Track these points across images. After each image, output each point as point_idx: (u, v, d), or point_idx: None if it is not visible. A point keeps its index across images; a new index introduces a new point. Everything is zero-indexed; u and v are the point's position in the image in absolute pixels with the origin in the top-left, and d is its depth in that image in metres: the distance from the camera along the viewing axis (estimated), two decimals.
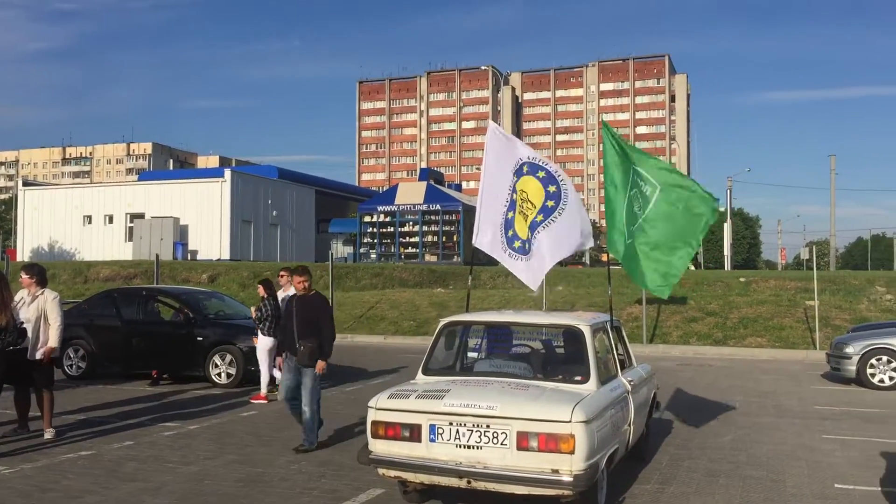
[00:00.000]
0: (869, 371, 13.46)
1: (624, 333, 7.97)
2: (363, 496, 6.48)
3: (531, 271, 7.84)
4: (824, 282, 22.86)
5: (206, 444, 8.39)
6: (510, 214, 7.85)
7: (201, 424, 9.50)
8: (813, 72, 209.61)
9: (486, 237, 8.02)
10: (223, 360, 12.55)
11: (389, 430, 5.74)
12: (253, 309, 11.83)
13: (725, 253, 51.84)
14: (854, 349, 13.65)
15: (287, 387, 8.35)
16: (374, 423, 5.81)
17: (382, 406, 5.82)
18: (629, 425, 6.72)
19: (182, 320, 13.22)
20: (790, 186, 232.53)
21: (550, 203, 7.66)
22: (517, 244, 7.80)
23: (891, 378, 13.32)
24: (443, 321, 7.01)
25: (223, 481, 6.90)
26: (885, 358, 13.41)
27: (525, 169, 7.83)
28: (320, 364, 8.10)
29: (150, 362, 12.92)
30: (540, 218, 7.68)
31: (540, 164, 7.86)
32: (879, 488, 7.00)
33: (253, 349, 12.46)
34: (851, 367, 13.60)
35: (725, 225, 51.93)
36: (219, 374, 12.53)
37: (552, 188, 7.69)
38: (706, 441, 8.90)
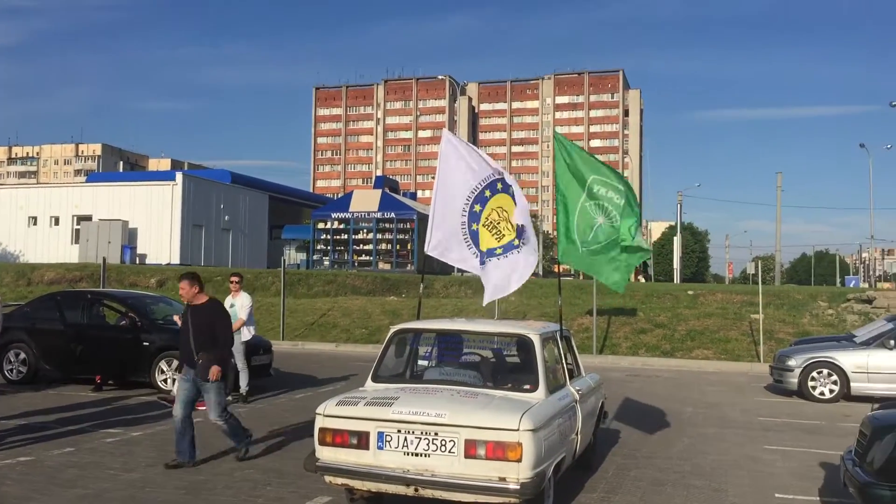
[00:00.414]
0: (810, 384, 13.77)
1: (573, 343, 8.04)
2: None
3: (496, 285, 7.84)
4: (769, 296, 23.36)
5: (149, 451, 8.22)
6: (475, 227, 7.83)
7: (145, 431, 9.32)
8: (761, 91, 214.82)
9: (442, 246, 7.97)
10: (170, 365, 12.33)
11: (337, 437, 5.70)
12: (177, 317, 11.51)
13: (675, 266, 52.66)
14: (796, 362, 13.96)
15: (183, 401, 7.69)
16: (322, 429, 5.77)
17: (330, 413, 5.78)
18: (577, 434, 6.76)
19: (128, 325, 12.96)
20: (738, 202, 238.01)
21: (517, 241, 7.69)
22: (499, 251, 7.77)
23: (831, 391, 13.65)
24: (393, 328, 6.98)
25: (165, 489, 6.78)
26: (825, 371, 13.74)
27: (499, 186, 7.83)
28: (214, 370, 7.56)
29: (93, 367, 12.62)
30: (516, 241, 7.70)
31: (510, 181, 7.85)
32: (818, 498, 7.17)
33: None
34: (793, 380, 13.90)
35: (675, 238, 52.83)
36: (164, 380, 12.30)
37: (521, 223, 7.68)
38: (652, 451, 9.01)
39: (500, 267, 7.78)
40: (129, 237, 37.74)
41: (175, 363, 12.30)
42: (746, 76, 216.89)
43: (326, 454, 5.74)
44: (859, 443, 6.12)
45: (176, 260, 37.72)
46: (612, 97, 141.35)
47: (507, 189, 7.81)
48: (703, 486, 7.43)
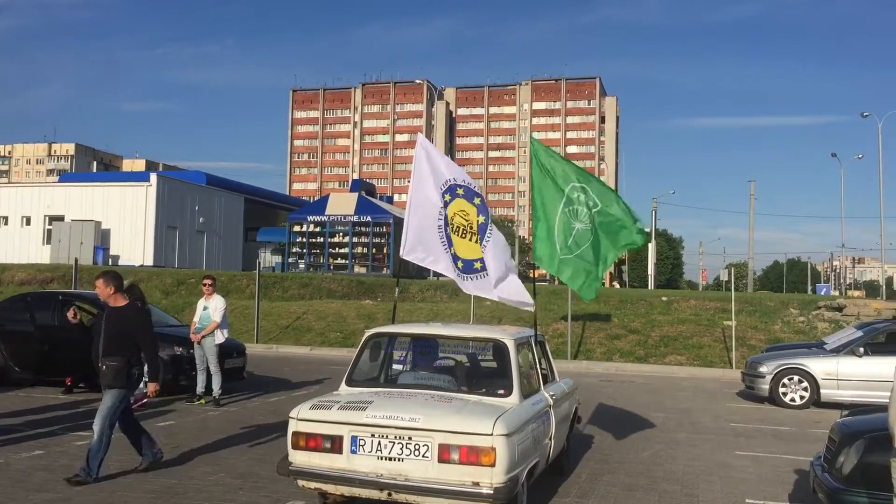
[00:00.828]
0: (781, 390, 13.93)
1: (548, 348, 8.08)
2: None
3: (509, 287, 7.93)
4: (742, 303, 23.59)
5: (120, 455, 8.12)
6: (448, 230, 7.88)
7: (116, 434, 9.18)
8: (735, 100, 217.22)
9: (417, 249, 8.00)
10: (141, 368, 12.18)
11: (310, 441, 5.68)
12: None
13: (649, 272, 53.06)
14: (767, 368, 14.11)
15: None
16: (296, 433, 5.74)
17: (304, 417, 5.75)
18: (550, 439, 6.79)
19: None
20: (712, 210, 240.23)
21: (481, 218, 7.80)
22: (460, 264, 7.85)
23: (801, 397, 13.82)
24: (368, 332, 6.98)
25: (135, 492, 6.71)
26: (796, 378, 13.90)
27: (460, 191, 7.92)
28: (152, 387, 7.31)
29: (64, 369, 12.46)
30: (481, 246, 7.83)
31: (461, 183, 7.98)
32: (788, 503, 7.26)
33: (174, 357, 12.22)
34: (765, 386, 14.06)
35: (650, 245, 53.19)
36: None
37: (477, 200, 7.85)
38: (625, 456, 9.07)
39: (509, 283, 7.91)
40: (102, 238, 37.30)
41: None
42: (722, 85, 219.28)
43: (300, 458, 5.72)
44: (828, 449, 6.21)
45: (149, 262, 37.36)
46: (589, 104, 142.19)
47: (469, 197, 7.91)
48: (675, 492, 7.49)
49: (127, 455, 8.11)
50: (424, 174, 8.02)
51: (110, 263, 35.80)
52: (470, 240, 7.88)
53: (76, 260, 23.78)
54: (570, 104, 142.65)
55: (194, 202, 41.75)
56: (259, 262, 24.37)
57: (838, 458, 5.81)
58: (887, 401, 12.10)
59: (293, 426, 5.77)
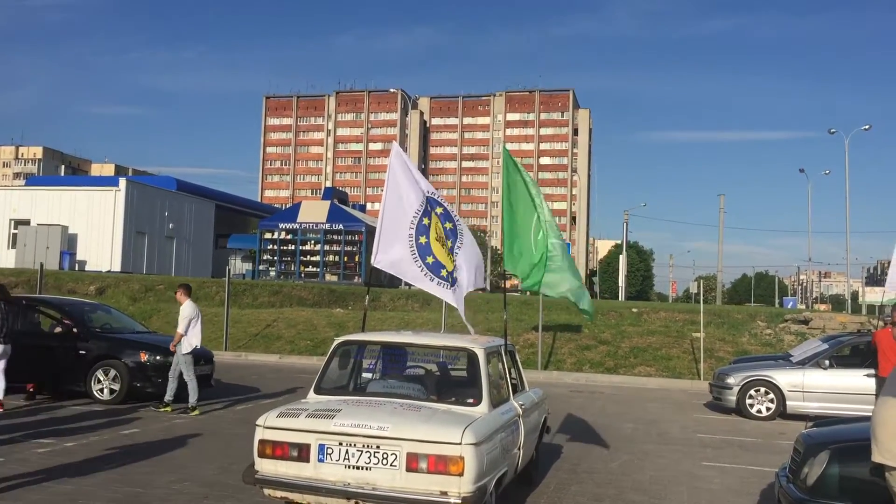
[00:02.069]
0: (748, 401, 14.06)
1: (517, 358, 8.07)
2: None
3: (459, 301, 7.97)
4: (710, 315, 23.82)
5: (83, 462, 7.99)
6: (423, 240, 7.86)
7: (79, 441, 9.06)
8: (706, 115, 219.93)
9: (389, 257, 7.96)
10: (107, 375, 12.03)
11: (277, 450, 5.61)
12: None
13: (620, 284, 53.43)
14: (735, 380, 14.24)
15: None
16: (262, 441, 5.68)
17: (271, 424, 5.69)
18: (519, 449, 6.77)
19: (64, 332, 12.60)
20: (682, 222, 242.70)
21: (449, 243, 7.83)
22: (444, 272, 7.85)
23: (768, 409, 13.96)
24: (337, 340, 6.92)
25: (98, 500, 6.59)
26: (762, 389, 14.04)
27: (438, 210, 7.97)
28: None
29: (26, 375, 12.23)
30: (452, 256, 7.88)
31: (439, 199, 8.02)
32: None
33: (140, 364, 12.06)
34: (732, 398, 14.18)
35: (621, 257, 53.64)
36: (101, 390, 12.00)
37: (448, 225, 7.88)
38: (593, 466, 9.09)
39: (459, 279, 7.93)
40: (69, 243, 36.79)
41: (112, 372, 12.02)
42: (693, 99, 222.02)
43: (266, 466, 5.65)
44: (793, 460, 6.27)
45: (117, 267, 36.90)
46: (562, 116, 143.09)
47: (434, 208, 7.96)
48: (643, 502, 7.52)
49: (90, 464, 7.98)
50: (399, 183, 7.99)
51: (77, 269, 35.31)
52: (443, 247, 7.89)
53: (41, 265, 23.39)
54: (543, 116, 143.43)
55: (164, 208, 41.34)
56: (229, 269, 24.10)
57: (803, 468, 5.86)
58: (852, 413, 12.23)
59: (260, 434, 5.70)
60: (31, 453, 8.31)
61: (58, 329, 12.75)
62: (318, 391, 6.43)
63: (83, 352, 12.17)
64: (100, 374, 12.04)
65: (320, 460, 5.51)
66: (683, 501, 7.62)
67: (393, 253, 7.91)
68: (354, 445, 5.46)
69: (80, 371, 12.08)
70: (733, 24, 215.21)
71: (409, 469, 5.37)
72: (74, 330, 12.45)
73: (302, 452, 5.55)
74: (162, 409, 11.54)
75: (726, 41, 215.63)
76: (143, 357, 12.14)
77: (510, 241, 8.85)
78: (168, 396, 11.62)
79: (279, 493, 5.66)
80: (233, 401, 12.98)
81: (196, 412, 11.43)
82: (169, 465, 8.01)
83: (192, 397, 11.52)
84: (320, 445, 5.52)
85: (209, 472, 7.85)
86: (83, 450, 8.63)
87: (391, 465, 5.40)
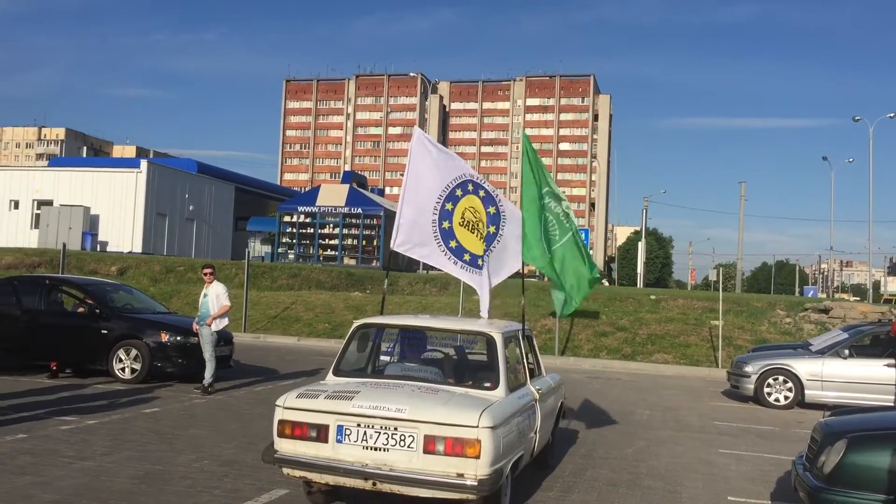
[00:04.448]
0: (766, 390, 14.01)
1: (535, 343, 8.10)
2: (266, 496, 6.39)
3: (482, 288, 8.03)
4: (729, 303, 23.70)
5: (104, 440, 8.12)
6: (446, 224, 7.90)
7: (100, 420, 9.19)
8: (728, 102, 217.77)
9: (411, 241, 8.00)
10: (128, 354, 12.18)
11: (296, 430, 5.68)
12: None
13: (638, 271, 53.23)
14: (753, 368, 14.19)
15: None
16: (281, 422, 5.74)
17: (290, 405, 5.76)
18: (535, 433, 6.81)
19: (86, 312, 12.76)
20: (703, 210, 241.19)
21: (492, 228, 7.88)
22: (466, 256, 7.90)
23: (786, 397, 13.90)
24: (356, 322, 6.96)
25: (119, 478, 6.70)
26: (781, 378, 13.99)
27: (470, 187, 7.99)
28: None
29: (50, 354, 12.42)
30: (484, 243, 7.92)
31: (480, 182, 8.06)
32: (770, 502, 7.31)
33: (160, 344, 12.20)
34: (750, 386, 14.14)
35: (640, 244, 53.39)
36: (122, 369, 12.16)
37: (492, 209, 7.92)
38: (609, 452, 9.11)
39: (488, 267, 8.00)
40: (91, 224, 37.10)
41: (134, 352, 12.18)
42: (715, 85, 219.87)
43: (285, 446, 5.71)
44: (810, 448, 6.26)
45: (138, 248, 37.20)
46: (583, 101, 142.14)
47: (476, 191, 7.96)
48: (658, 488, 7.53)
49: (111, 441, 8.11)
50: (421, 168, 7.99)
51: (98, 249, 35.65)
52: (475, 235, 7.94)
53: (64, 245, 23.62)
54: (563, 101, 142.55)
55: (184, 190, 41.57)
56: (248, 252, 24.27)
57: (820, 457, 5.85)
58: (870, 402, 12.18)
59: (279, 414, 5.76)
60: (54, 430, 8.45)
61: (80, 308, 12.94)
62: (336, 373, 6.48)
63: (105, 331, 12.32)
64: (121, 354, 12.19)
65: (339, 441, 5.57)
66: (699, 488, 7.63)
67: (414, 237, 7.95)
68: (372, 427, 5.51)
69: (102, 350, 12.24)
70: (756, 9, 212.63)
71: (426, 451, 5.42)
72: (97, 310, 12.60)
73: (321, 433, 5.61)
74: (210, 391, 11.60)
75: (749, 27, 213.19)
76: (164, 337, 12.27)
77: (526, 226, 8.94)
78: (208, 378, 11.69)
79: (298, 473, 5.72)
80: (251, 381, 13.11)
81: (210, 391, 11.55)
82: (189, 444, 8.11)
83: (209, 375, 11.63)
84: (339, 426, 5.58)
85: (228, 451, 7.95)
86: (105, 428, 8.77)
87: (408, 446, 5.44)
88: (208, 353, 11.69)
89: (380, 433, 5.50)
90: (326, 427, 5.60)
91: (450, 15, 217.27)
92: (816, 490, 5.69)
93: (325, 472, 5.59)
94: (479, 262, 7.96)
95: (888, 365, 13.22)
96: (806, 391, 13.80)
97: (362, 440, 5.52)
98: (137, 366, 12.15)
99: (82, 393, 11.09)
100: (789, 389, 13.92)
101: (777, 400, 13.92)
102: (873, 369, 13.42)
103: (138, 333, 12.32)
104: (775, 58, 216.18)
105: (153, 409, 10.15)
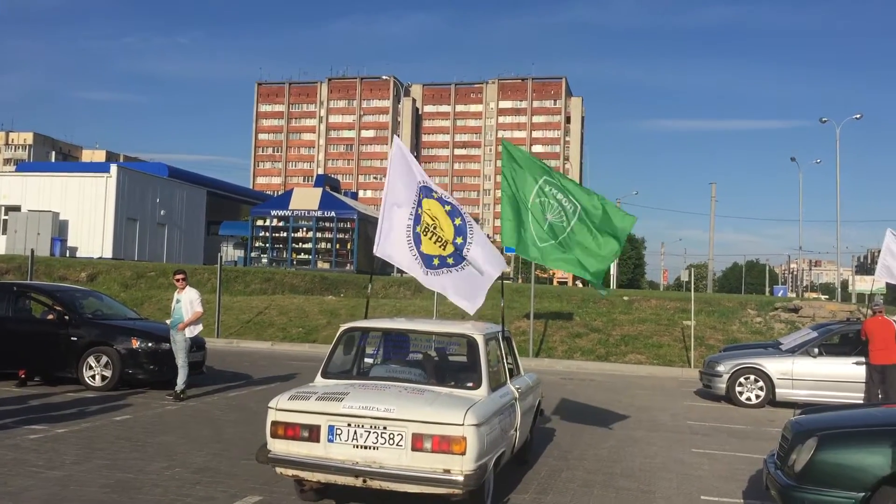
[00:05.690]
0: (737, 389, 14.14)
1: (514, 344, 8.20)
2: (239, 503, 6.34)
3: (459, 291, 8.01)
4: (701, 303, 23.92)
5: (74, 449, 8.00)
6: (417, 229, 8.03)
7: (70, 428, 9.06)
8: (698, 103, 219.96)
9: (390, 248, 8.08)
10: (98, 361, 12.03)
11: (289, 430, 5.86)
12: None
13: (611, 272, 53.55)
14: (724, 368, 14.32)
15: None
16: (274, 423, 5.91)
17: (283, 407, 5.93)
18: (516, 430, 7.01)
19: (55, 319, 12.57)
20: (674, 211, 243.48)
21: (459, 239, 7.89)
22: (436, 262, 7.96)
23: (757, 396, 14.05)
24: (343, 327, 7.14)
25: (90, 487, 6.60)
26: (752, 377, 14.13)
27: (434, 195, 8.06)
28: None
29: (18, 362, 12.22)
30: (454, 256, 7.92)
31: (433, 189, 8.11)
32: (742, 500, 7.38)
33: (131, 351, 12.06)
34: (722, 385, 14.27)
35: None
36: (93, 377, 12.00)
37: (458, 221, 7.97)
38: (584, 452, 9.16)
39: (465, 278, 7.96)
40: (60, 229, 36.63)
41: (104, 359, 12.02)
42: (686, 87, 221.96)
43: (278, 446, 5.88)
44: (781, 447, 6.33)
45: (108, 254, 36.78)
46: (555, 104, 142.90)
47: (429, 194, 8.04)
48: (632, 488, 7.58)
49: (81, 450, 7.99)
50: (399, 174, 8.15)
51: (68, 255, 35.19)
52: (431, 238, 8.00)
53: (32, 251, 23.26)
54: (536, 104, 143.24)
55: (155, 194, 41.19)
56: (221, 256, 24.04)
57: (791, 455, 5.92)
58: (840, 400, 12.33)
59: (272, 416, 5.93)
60: (22, 439, 8.32)
61: (49, 315, 12.75)
62: (325, 375, 6.68)
63: (75, 338, 12.15)
64: (91, 361, 12.04)
65: (330, 440, 5.75)
66: (672, 488, 7.69)
67: (392, 243, 8.06)
68: (362, 426, 5.69)
69: (72, 357, 12.07)
70: (726, 12, 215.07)
71: (414, 448, 5.61)
72: (66, 316, 12.43)
73: (312, 433, 5.78)
74: (182, 397, 11.47)
75: (719, 30, 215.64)
76: (135, 343, 12.14)
77: (511, 217, 9.00)
78: (180, 385, 11.57)
79: (291, 472, 5.89)
80: (224, 387, 13.00)
81: (182, 397, 11.44)
82: (161, 452, 8.02)
83: (181, 381, 11.52)
84: (330, 426, 5.76)
85: (201, 458, 7.87)
86: (75, 436, 8.64)
87: (397, 444, 5.64)
88: (181, 360, 11.58)
89: (369, 432, 5.68)
90: (318, 427, 5.78)
91: (422, 18, 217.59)
92: (787, 488, 5.76)
93: (318, 470, 5.76)
94: (434, 261, 8.00)
95: (858, 363, 13.42)
96: (777, 390, 13.96)
97: (353, 439, 5.71)
98: (108, 373, 12.00)
99: (52, 401, 10.93)
100: (760, 388, 14.06)
101: (748, 399, 14.06)
102: (843, 367, 13.62)
103: (109, 340, 12.17)
104: (745, 60, 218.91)
105: (124, 417, 10.02)
